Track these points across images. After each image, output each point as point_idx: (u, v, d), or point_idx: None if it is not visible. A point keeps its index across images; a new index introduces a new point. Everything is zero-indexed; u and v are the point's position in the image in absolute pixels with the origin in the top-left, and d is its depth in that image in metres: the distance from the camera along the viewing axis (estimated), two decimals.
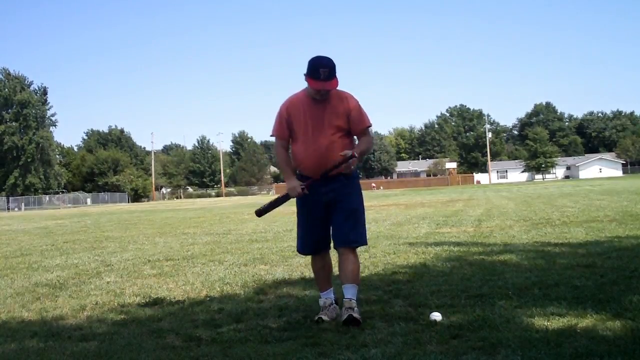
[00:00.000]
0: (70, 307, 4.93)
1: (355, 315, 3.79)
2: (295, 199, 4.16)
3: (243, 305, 4.64)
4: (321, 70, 3.88)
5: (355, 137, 4.18)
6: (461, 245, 7.63)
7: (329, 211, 4.08)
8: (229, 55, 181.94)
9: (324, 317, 3.93)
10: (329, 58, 3.97)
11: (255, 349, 3.38)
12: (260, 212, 4.28)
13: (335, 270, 4.24)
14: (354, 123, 4.05)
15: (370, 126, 4.14)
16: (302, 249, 4.25)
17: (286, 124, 4.10)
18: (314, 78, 3.90)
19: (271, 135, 4.23)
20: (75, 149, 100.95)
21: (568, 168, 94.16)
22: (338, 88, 4.06)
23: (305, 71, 3.97)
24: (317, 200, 4.06)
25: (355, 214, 4.09)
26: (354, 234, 4.06)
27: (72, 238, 13.21)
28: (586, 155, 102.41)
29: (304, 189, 4.02)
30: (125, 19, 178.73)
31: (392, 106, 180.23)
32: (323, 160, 3.98)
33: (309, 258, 4.43)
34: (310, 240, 4.16)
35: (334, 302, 4.12)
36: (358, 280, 4.12)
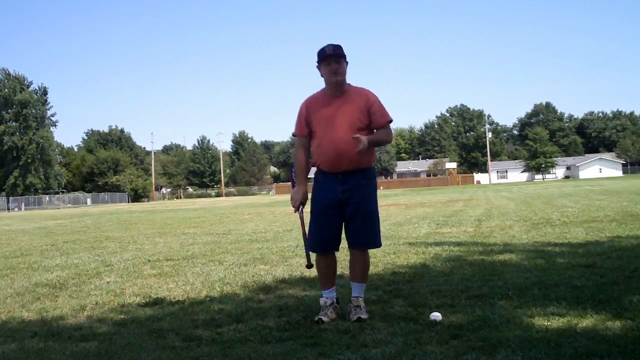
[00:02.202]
0: (70, 307, 4.93)
1: (363, 316, 3.92)
2: (311, 195, 4.19)
3: (243, 305, 4.63)
4: (326, 47, 4.01)
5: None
6: (461, 245, 7.63)
7: (343, 210, 4.07)
8: (228, 55, 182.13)
9: (324, 319, 3.93)
10: None
11: (255, 349, 3.38)
12: (308, 261, 4.34)
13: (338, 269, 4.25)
14: (376, 117, 4.04)
15: (391, 121, 4.14)
16: (312, 246, 4.20)
17: (305, 121, 4.12)
18: (322, 54, 4.00)
19: (293, 135, 4.27)
20: (75, 149, 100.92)
21: (568, 168, 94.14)
22: (355, 85, 4.14)
23: (316, 69, 4.11)
24: (333, 197, 4.05)
25: (372, 217, 4.09)
26: (371, 237, 4.10)
27: (72, 238, 13.21)
28: (586, 155, 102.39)
29: (300, 209, 4.19)
30: (125, 19, 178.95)
31: (392, 106, 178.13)
32: (341, 154, 3.97)
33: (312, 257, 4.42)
34: (320, 238, 4.12)
35: (334, 301, 4.12)
36: (366, 280, 4.28)
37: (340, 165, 4.00)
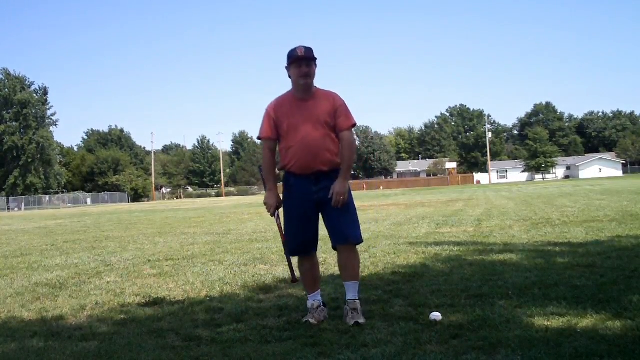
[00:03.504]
0: (70, 307, 4.93)
1: (361, 320, 3.84)
2: (284, 198, 4.15)
3: (243, 305, 4.64)
4: (298, 49, 3.98)
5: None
6: (461, 245, 7.63)
7: (320, 210, 4.07)
8: (228, 55, 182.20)
9: (312, 321, 3.90)
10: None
11: (255, 349, 3.39)
12: (294, 277, 4.19)
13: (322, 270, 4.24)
14: (341, 120, 4.05)
15: (354, 124, 4.13)
16: (292, 250, 4.15)
17: (274, 123, 4.08)
18: (293, 55, 3.97)
19: (258, 138, 4.22)
20: (76, 149, 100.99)
21: (568, 168, 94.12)
22: (324, 88, 4.13)
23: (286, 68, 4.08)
24: (309, 199, 4.03)
25: (349, 209, 4.06)
26: (351, 230, 4.04)
27: (72, 238, 13.21)
28: (586, 155, 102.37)
29: (277, 214, 4.15)
30: (125, 19, 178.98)
31: (392, 106, 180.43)
32: (312, 156, 3.97)
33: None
34: (301, 241, 4.10)
35: (321, 304, 4.09)
36: (359, 277, 4.17)
37: (314, 166, 3.98)
